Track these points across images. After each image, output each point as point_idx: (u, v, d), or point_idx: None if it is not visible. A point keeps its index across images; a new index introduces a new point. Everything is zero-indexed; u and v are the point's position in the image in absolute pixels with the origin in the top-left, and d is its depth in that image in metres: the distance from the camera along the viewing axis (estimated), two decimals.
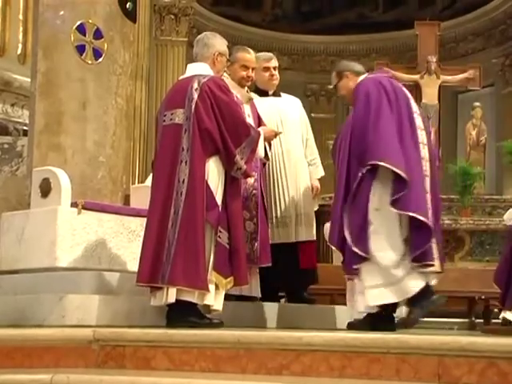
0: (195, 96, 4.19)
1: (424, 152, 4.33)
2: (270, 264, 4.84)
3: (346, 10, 15.03)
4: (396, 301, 4.19)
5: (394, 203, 4.11)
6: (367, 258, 4.13)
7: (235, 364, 3.27)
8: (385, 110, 4.28)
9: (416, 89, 12.04)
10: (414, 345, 3.06)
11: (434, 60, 11.81)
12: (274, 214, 5.14)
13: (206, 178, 4.11)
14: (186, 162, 4.12)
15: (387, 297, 4.15)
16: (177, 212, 4.07)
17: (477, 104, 12.59)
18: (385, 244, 4.14)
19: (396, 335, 3.27)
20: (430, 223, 4.12)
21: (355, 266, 4.17)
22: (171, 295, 4.01)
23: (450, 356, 2.98)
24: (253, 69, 5.07)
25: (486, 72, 12.19)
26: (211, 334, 3.40)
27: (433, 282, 4.31)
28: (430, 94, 11.81)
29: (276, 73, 5.35)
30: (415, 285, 4.13)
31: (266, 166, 5.07)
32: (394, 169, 4.10)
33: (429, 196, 4.28)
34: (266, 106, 5.21)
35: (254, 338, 3.32)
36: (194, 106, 4.17)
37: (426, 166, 4.33)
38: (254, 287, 4.85)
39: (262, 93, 5.35)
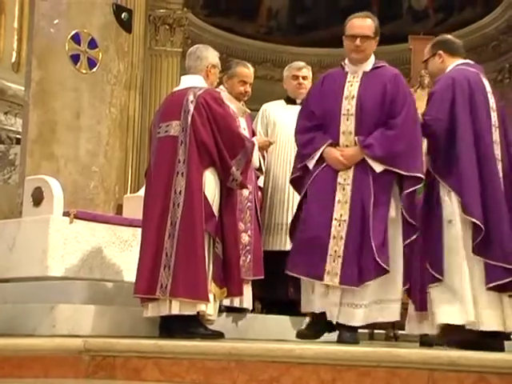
0: (191, 108, 4.21)
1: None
2: (262, 277, 4.85)
3: (341, 23, 15.05)
4: None
5: None
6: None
7: (226, 376, 3.26)
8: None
9: None
10: (405, 358, 3.06)
11: (427, 74, 11.87)
12: (283, 221, 5.17)
13: (203, 189, 4.13)
14: (182, 174, 4.14)
15: None
16: (174, 223, 4.09)
17: None
18: None
19: (387, 348, 3.27)
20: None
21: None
22: (174, 307, 4.01)
23: (440, 370, 2.99)
24: (250, 84, 5.16)
25: None
26: (202, 346, 3.39)
27: None
28: (423, 108, 11.86)
29: (305, 82, 5.44)
30: None
31: (279, 172, 5.14)
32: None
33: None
34: (291, 114, 5.29)
35: (245, 350, 3.31)
36: (190, 119, 4.19)
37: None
38: (245, 299, 4.85)
39: (290, 101, 5.47)
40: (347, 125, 4.21)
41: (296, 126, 4.42)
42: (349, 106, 4.24)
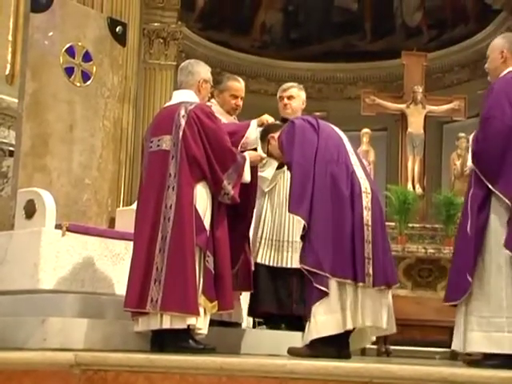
0: (182, 123, 4.23)
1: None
2: (251, 290, 4.85)
3: (334, 38, 15.16)
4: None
5: None
6: None
7: None
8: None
9: (402, 118, 12.15)
10: (396, 375, 3.05)
11: (420, 90, 11.92)
12: (280, 238, 5.18)
13: (194, 202, 4.14)
14: (173, 188, 4.15)
15: None
16: (164, 237, 4.10)
17: (462, 135, 12.67)
18: None
19: (378, 364, 3.27)
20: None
21: None
22: (166, 321, 4.02)
23: None
24: (241, 98, 5.17)
25: (471, 103, 12.30)
26: (193, 360, 3.38)
27: None
28: (416, 124, 11.91)
29: (289, 102, 5.46)
30: None
31: (276, 188, 5.18)
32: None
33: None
34: None
35: (236, 365, 3.30)
36: (181, 133, 4.21)
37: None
38: (235, 313, 4.84)
39: (284, 121, 5.46)
40: None
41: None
42: None
